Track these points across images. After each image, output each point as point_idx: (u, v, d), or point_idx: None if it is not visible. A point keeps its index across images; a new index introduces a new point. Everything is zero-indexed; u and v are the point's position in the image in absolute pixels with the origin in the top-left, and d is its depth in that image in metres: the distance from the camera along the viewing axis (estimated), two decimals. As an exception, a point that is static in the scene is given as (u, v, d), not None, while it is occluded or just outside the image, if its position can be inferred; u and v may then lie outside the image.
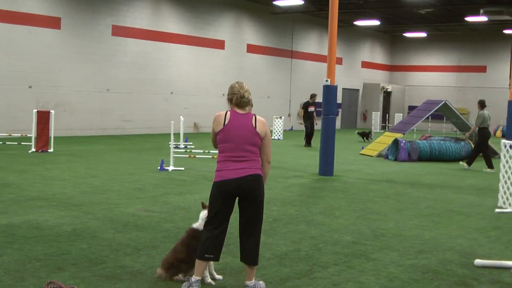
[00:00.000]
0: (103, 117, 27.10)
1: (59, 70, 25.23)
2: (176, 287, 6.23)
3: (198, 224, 6.54)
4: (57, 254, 7.30)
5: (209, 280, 6.43)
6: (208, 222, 6.22)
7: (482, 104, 18.58)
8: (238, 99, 6.23)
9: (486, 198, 13.04)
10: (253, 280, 6.23)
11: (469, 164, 18.71)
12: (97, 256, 7.27)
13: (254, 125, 6.20)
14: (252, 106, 6.36)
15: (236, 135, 6.14)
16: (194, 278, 6.16)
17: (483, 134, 18.45)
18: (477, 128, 18.57)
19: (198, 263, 6.14)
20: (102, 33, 26.86)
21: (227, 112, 6.27)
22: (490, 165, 18.50)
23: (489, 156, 18.73)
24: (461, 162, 18.84)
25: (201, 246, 6.13)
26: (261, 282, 6.28)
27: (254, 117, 6.27)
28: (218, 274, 6.62)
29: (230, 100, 6.30)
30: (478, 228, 9.80)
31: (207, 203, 6.43)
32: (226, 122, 6.18)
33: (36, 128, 18.93)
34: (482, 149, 18.62)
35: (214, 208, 6.18)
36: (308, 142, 25.36)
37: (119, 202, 10.93)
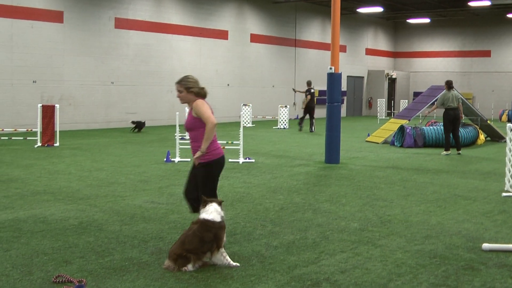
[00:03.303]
0: (108, 110, 27.12)
1: (62, 64, 25.24)
2: (184, 278, 6.24)
3: (212, 216, 6.64)
4: (64, 247, 7.32)
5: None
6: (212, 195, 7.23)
7: (448, 85, 18.33)
8: (205, 92, 7.37)
9: (491, 182, 13.02)
10: None
11: (447, 149, 18.47)
12: (104, 249, 7.28)
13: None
14: None
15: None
16: None
17: (444, 115, 18.27)
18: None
19: None
20: (105, 26, 26.84)
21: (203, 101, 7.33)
22: (447, 148, 18.47)
23: (448, 138, 18.44)
24: (442, 153, 18.57)
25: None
26: None
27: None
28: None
29: (198, 93, 7.29)
30: (484, 212, 9.79)
31: (207, 198, 6.90)
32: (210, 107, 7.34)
33: (42, 123, 18.97)
34: (444, 130, 18.46)
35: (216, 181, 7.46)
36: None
37: (125, 194, 10.95)
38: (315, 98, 27.50)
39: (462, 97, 18.12)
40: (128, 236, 7.88)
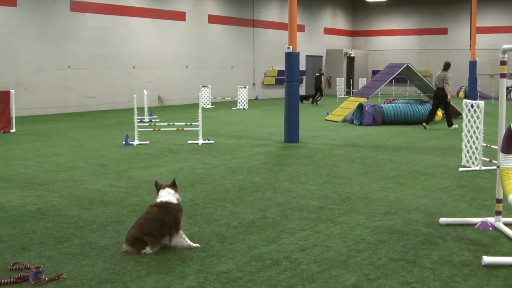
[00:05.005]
0: (65, 94, 26.74)
1: (17, 48, 24.78)
2: (144, 261, 6.20)
3: (167, 198, 6.62)
4: (21, 234, 7.22)
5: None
6: None
7: (444, 66, 19.30)
8: None
9: (449, 158, 13.20)
10: None
11: (450, 124, 19.48)
12: (63, 234, 7.20)
13: None
14: None
15: None
16: None
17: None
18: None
19: None
20: (60, 9, 26.39)
21: None
22: (449, 124, 19.44)
23: (450, 115, 19.68)
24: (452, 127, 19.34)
25: None
26: None
27: None
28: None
29: None
30: (442, 188, 9.92)
31: (160, 182, 6.88)
32: None
33: (-3, 109, 18.63)
34: (443, 108, 19.78)
35: None
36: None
37: (84, 179, 10.84)
38: (322, 80, 32.92)
39: (446, 78, 19.10)
40: (87, 221, 7.80)
